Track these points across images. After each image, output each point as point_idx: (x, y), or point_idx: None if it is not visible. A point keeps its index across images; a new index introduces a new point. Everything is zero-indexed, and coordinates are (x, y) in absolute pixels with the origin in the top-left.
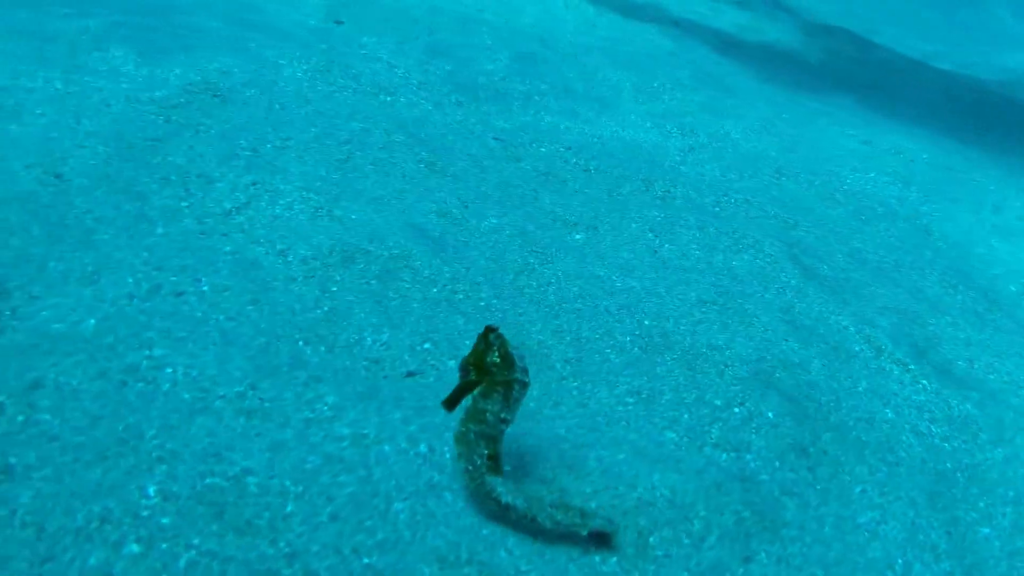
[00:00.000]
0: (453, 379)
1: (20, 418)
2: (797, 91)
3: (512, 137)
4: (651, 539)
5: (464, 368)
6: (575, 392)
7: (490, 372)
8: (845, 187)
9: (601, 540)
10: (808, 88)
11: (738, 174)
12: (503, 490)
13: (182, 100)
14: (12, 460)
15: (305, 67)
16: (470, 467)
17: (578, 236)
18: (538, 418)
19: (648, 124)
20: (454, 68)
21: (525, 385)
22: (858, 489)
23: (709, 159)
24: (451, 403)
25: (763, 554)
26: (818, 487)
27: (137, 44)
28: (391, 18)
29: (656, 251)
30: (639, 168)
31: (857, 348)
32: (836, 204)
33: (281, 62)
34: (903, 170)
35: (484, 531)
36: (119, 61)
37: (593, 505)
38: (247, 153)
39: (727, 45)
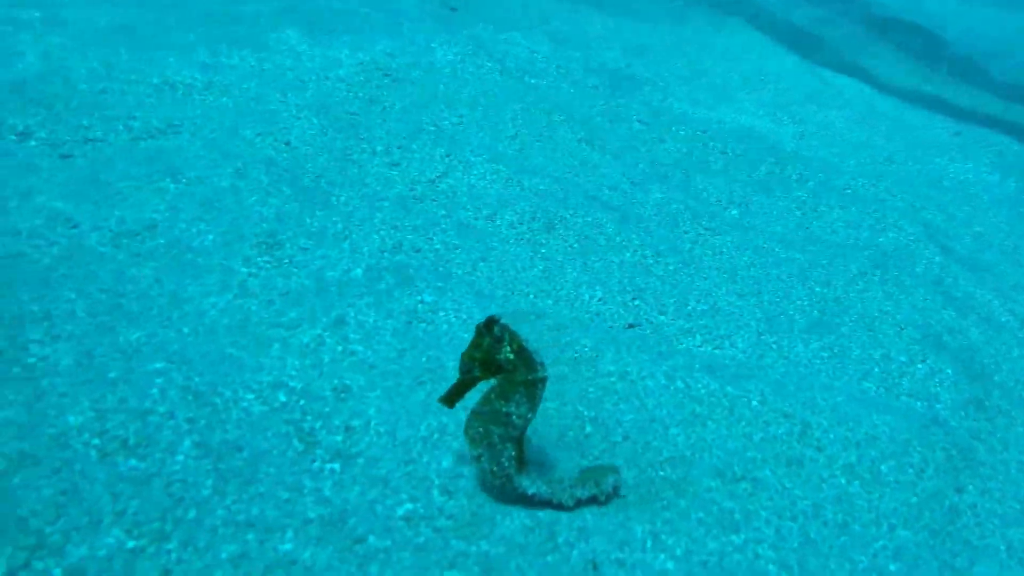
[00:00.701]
0: (667, 333)
1: (339, 348)
2: (881, 84)
3: (653, 120)
4: (882, 467)
5: (467, 364)
6: (774, 347)
7: (504, 369)
8: (949, 175)
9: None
10: (891, 82)
11: (855, 160)
12: (527, 484)
13: (361, 79)
14: (348, 381)
15: (455, 50)
16: (495, 468)
17: (734, 212)
18: (750, 367)
19: (761, 112)
20: (581, 55)
21: (546, 380)
22: None
23: (821, 145)
24: (451, 400)
25: (971, 486)
26: (998, 435)
27: (304, 26)
28: (499, 4)
29: (807, 227)
30: (766, 152)
31: (1004, 319)
32: (946, 190)
33: (432, 45)
34: (997, 160)
35: (749, 453)
36: (294, 41)
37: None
38: (432, 128)
39: (807, 38)
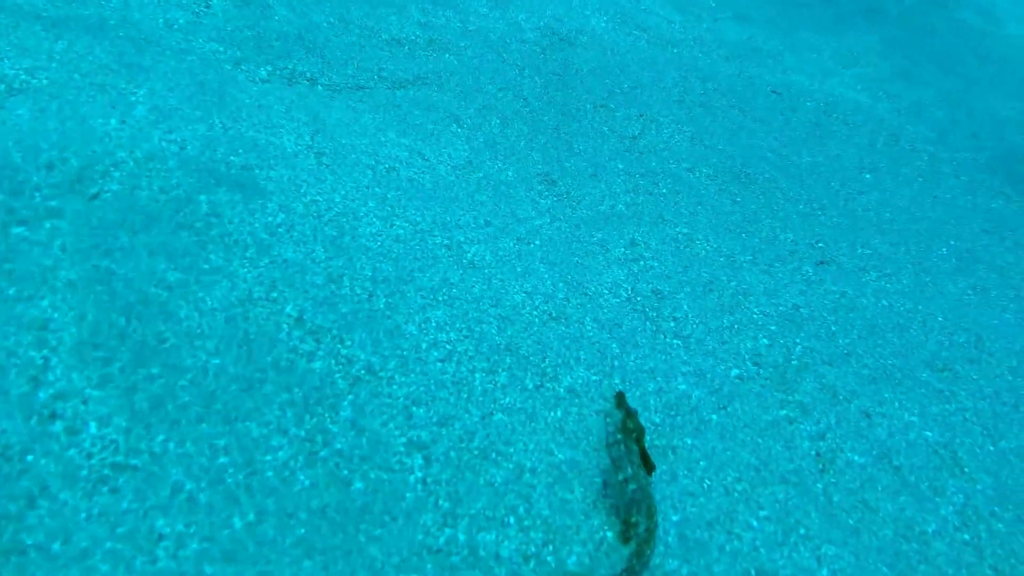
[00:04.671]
0: (848, 268)
1: (641, 263)
2: None
3: (783, 91)
4: None
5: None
6: (930, 284)
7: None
8: None
9: None
10: None
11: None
12: None
13: (545, 43)
14: (659, 287)
15: (605, 19)
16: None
17: (868, 176)
18: (914, 298)
19: (858, 86)
20: (683, 23)
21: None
22: None
23: (912, 120)
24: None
25: None
26: None
27: None
28: None
29: (936, 197)
30: (877, 126)
31: None
32: None
33: (587, 12)
34: None
35: (944, 353)
36: (476, 4)
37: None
38: (618, 90)
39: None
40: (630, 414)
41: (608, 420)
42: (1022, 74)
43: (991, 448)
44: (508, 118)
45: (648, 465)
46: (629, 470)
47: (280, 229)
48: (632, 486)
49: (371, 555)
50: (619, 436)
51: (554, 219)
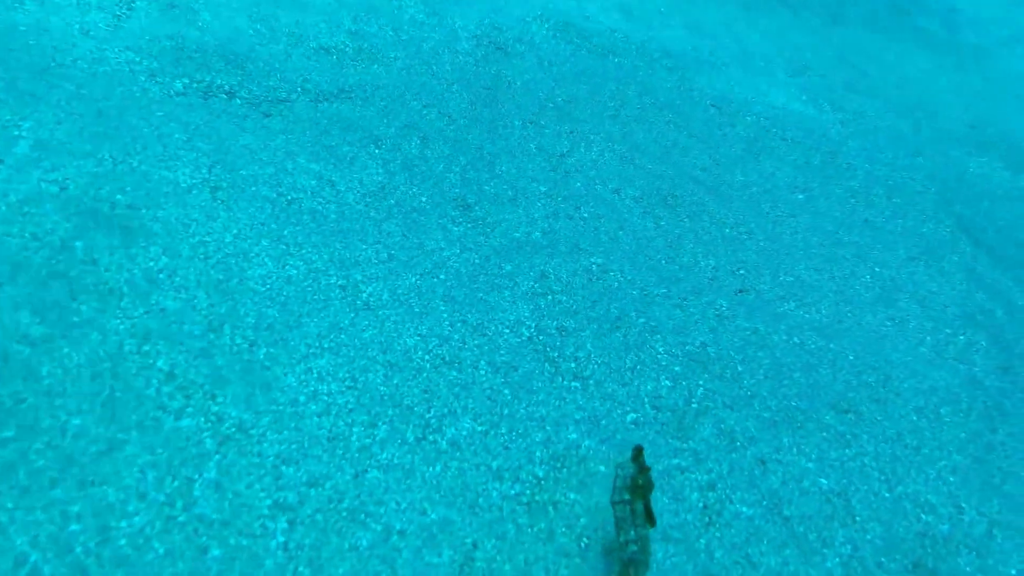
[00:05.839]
0: (768, 298)
1: (549, 297)
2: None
3: (723, 105)
4: (942, 410)
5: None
6: (849, 315)
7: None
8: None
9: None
10: None
11: (891, 153)
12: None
13: (480, 53)
14: (564, 324)
15: (546, 26)
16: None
17: (800, 196)
18: (836, 329)
19: (804, 97)
20: (628, 31)
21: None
22: None
23: (854, 134)
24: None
25: (1001, 431)
26: (1018, 395)
27: None
28: None
29: (867, 220)
30: (817, 142)
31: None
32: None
33: (527, 19)
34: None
35: (850, 394)
36: (413, 10)
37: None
38: (550, 105)
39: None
40: (643, 470)
41: (618, 473)
42: (974, 85)
43: (886, 495)
44: (429, 137)
45: (651, 520)
46: (632, 533)
47: (161, 275)
48: (633, 547)
49: None
50: (626, 496)
51: (464, 249)
